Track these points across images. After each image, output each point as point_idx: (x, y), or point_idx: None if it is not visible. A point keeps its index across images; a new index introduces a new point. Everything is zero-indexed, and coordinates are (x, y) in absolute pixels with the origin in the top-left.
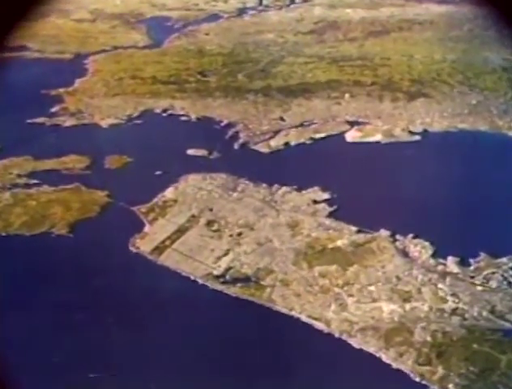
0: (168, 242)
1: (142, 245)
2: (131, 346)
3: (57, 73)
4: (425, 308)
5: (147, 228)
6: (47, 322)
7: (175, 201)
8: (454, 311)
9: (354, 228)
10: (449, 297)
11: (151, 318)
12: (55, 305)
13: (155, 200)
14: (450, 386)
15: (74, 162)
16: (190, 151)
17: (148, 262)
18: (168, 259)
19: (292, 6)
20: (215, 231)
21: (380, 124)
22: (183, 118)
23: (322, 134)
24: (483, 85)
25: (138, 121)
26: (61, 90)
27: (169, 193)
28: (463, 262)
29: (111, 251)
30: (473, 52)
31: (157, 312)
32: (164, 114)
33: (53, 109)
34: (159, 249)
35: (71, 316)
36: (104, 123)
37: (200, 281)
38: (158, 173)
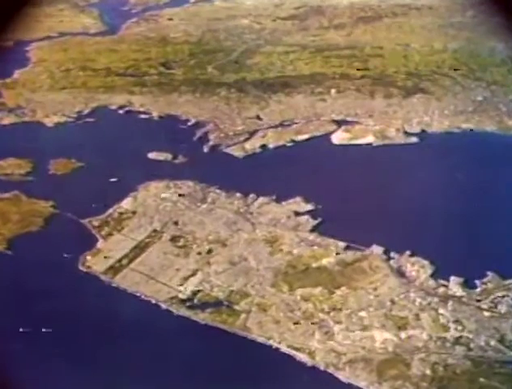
0: (125, 261)
1: (95, 263)
2: (79, 383)
3: None
4: (424, 336)
5: (99, 245)
6: None
7: (133, 213)
8: (457, 340)
9: (342, 245)
10: (451, 324)
11: (104, 349)
12: None
13: (110, 212)
14: None
15: (12, 167)
16: (151, 155)
17: (101, 283)
18: (125, 280)
19: None
20: (180, 248)
21: (371, 123)
22: (143, 116)
23: (305, 136)
24: (489, 79)
25: (90, 120)
26: None
27: (126, 203)
28: (468, 284)
29: (57, 271)
30: (478, 41)
31: (112, 342)
32: (121, 111)
33: None
34: (114, 268)
35: (7, 346)
36: (49, 121)
37: (163, 306)
38: (113, 180)
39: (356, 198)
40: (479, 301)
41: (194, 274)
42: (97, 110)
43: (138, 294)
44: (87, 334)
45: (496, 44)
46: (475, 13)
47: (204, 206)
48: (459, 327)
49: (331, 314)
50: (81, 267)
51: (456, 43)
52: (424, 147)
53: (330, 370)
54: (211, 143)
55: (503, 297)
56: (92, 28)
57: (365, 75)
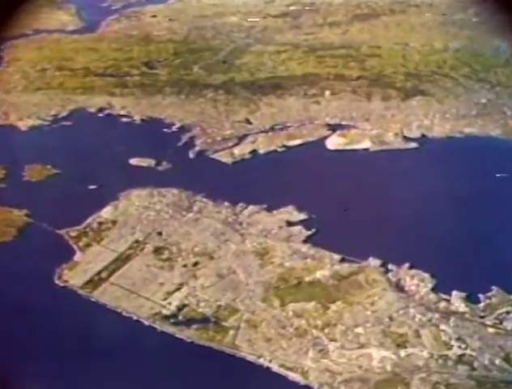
0: (104, 274)
1: (72, 277)
2: None
3: None
4: (425, 355)
5: (77, 257)
6: None
7: (114, 223)
8: (460, 359)
9: (337, 257)
10: (453, 342)
11: (82, 369)
12: None
13: (89, 221)
14: None
15: None
16: (133, 161)
17: (79, 298)
18: (104, 295)
19: None
20: (164, 260)
21: (368, 128)
22: (124, 120)
23: (298, 141)
24: (494, 80)
25: (67, 123)
26: None
27: (106, 212)
28: (471, 299)
29: (31, 285)
30: (481, 39)
31: (90, 362)
32: (100, 114)
33: None
34: (93, 282)
35: None
36: (23, 125)
37: (146, 322)
38: (92, 187)
39: (352, 207)
40: (483, 317)
41: (178, 288)
42: (75, 113)
43: (118, 310)
44: (64, 353)
45: (500, 43)
46: (477, 10)
47: (190, 215)
48: (462, 345)
49: (326, 330)
50: (57, 281)
51: (458, 42)
52: (424, 152)
53: None
54: (197, 148)
55: (508, 312)
56: (70, 25)
57: (362, 76)
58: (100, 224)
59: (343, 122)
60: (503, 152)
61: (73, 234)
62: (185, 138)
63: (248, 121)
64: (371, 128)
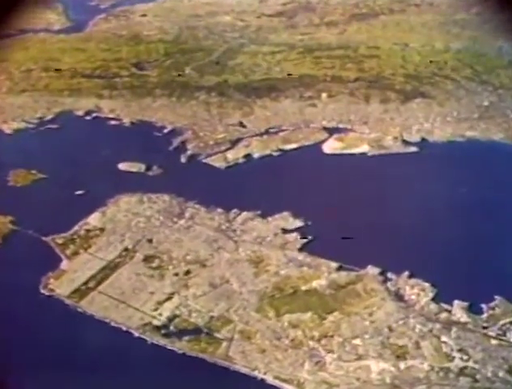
0: (92, 283)
1: (58, 286)
2: None
3: None
4: (425, 367)
5: (64, 265)
6: None
7: (102, 230)
8: (462, 371)
9: (334, 265)
10: (455, 354)
11: (69, 382)
12: None
13: (76, 228)
14: None
15: None
16: (122, 166)
17: (66, 308)
18: (92, 305)
19: None
20: (155, 269)
21: (366, 131)
22: (113, 123)
23: (293, 145)
24: (496, 82)
25: (53, 126)
26: None
27: (94, 219)
28: (473, 309)
29: (16, 295)
30: (483, 40)
31: (77, 374)
32: (88, 117)
33: None
34: (80, 291)
35: None
36: (7, 128)
37: (135, 333)
38: (79, 192)
39: (350, 213)
40: (485, 327)
41: (169, 298)
42: (61, 116)
43: (107, 320)
44: (49, 365)
45: (503, 43)
46: (480, 9)
47: (182, 222)
48: (464, 357)
49: (322, 342)
50: (43, 290)
51: (459, 42)
52: (425, 157)
53: None
54: (189, 152)
55: None
56: (56, 25)
57: (360, 78)
58: (88, 231)
59: (341, 126)
60: (506, 157)
61: (59, 241)
62: (176, 142)
63: (242, 125)
64: (369, 132)
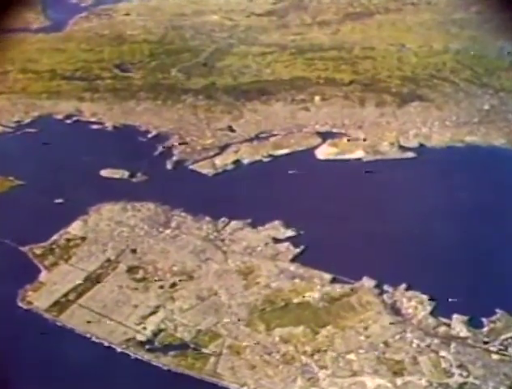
0: (72, 296)
1: (37, 299)
2: None
3: None
4: (423, 383)
5: (43, 277)
6: None
7: (83, 239)
8: (461, 387)
9: (328, 277)
10: (454, 369)
11: None
12: None
13: (55, 238)
14: None
15: None
16: (105, 172)
17: (45, 322)
18: (72, 319)
19: None
20: (139, 280)
21: (361, 136)
22: (95, 127)
23: (285, 150)
24: (497, 84)
25: (31, 130)
26: None
27: (75, 228)
28: (473, 323)
29: None
30: (483, 40)
31: None
32: (68, 121)
33: None
34: (60, 304)
35: None
36: None
37: (118, 349)
38: (59, 200)
39: (344, 222)
40: (486, 342)
41: (154, 311)
42: (40, 119)
43: (88, 335)
44: (27, 381)
45: (504, 44)
46: (480, 8)
47: (167, 231)
48: (464, 373)
49: (315, 357)
50: (20, 303)
51: (458, 43)
52: (422, 163)
53: None
54: (175, 158)
55: None
56: (34, 24)
57: (354, 80)
58: (68, 240)
59: (334, 130)
60: (507, 163)
61: (38, 252)
62: (161, 147)
63: (231, 129)
64: (364, 137)
